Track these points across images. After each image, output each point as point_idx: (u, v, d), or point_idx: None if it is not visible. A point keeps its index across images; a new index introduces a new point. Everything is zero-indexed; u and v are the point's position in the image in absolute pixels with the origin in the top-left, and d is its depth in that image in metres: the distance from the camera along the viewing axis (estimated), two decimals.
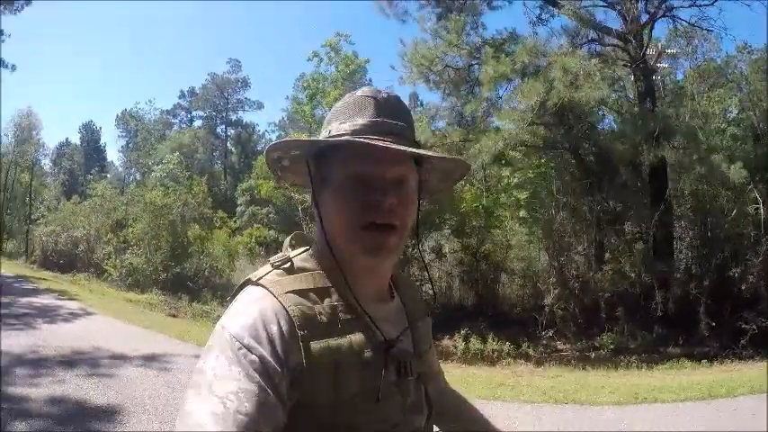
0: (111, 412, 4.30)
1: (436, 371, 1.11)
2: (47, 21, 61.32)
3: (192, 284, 15.41)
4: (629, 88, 12.99)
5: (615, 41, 11.30)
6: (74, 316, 9.24)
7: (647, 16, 11.24)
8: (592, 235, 11.51)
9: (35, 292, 12.36)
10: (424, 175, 0.91)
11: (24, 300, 10.55)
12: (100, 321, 8.97)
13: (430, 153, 0.85)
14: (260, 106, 42.87)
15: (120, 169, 39.60)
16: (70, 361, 5.93)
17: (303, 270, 0.84)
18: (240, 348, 0.70)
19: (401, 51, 11.53)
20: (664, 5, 11.29)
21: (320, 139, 0.85)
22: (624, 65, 11.50)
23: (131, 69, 76.01)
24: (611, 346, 9.20)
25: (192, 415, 0.64)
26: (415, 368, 0.88)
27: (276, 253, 0.90)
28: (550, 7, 11.46)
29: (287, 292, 0.78)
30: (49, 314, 9.10)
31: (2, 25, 17.83)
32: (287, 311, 0.75)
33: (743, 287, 9.67)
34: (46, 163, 40.65)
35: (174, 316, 10.76)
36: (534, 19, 11.69)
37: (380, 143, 0.78)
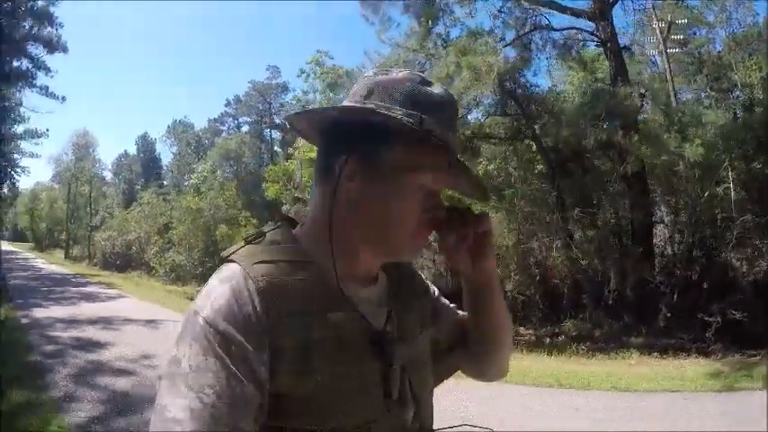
0: (104, 344, 7.12)
1: (449, 329, 1.01)
2: (101, 42, 68.55)
3: None
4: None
5: (575, 24, 12.14)
6: (110, 298, 12.46)
7: None
8: (555, 222, 11.95)
9: (86, 284, 15.92)
10: None
11: (75, 289, 13.99)
12: (128, 302, 12.06)
13: (485, 197, 0.90)
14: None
15: (176, 176, 43.95)
16: (94, 321, 8.88)
17: (275, 243, 0.80)
18: (215, 335, 0.68)
19: (361, 64, 13.36)
20: None
21: (448, 138, 0.79)
22: (597, 45, 12.58)
23: (182, 82, 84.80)
24: (574, 333, 9.39)
25: (167, 409, 0.64)
26: (399, 355, 0.82)
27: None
28: None
29: (256, 263, 0.74)
30: (91, 297, 12.34)
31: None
32: (255, 282, 0.72)
33: (716, 276, 9.61)
34: (107, 174, 46.26)
35: (191, 299, 13.66)
36: (495, 12, 12.32)
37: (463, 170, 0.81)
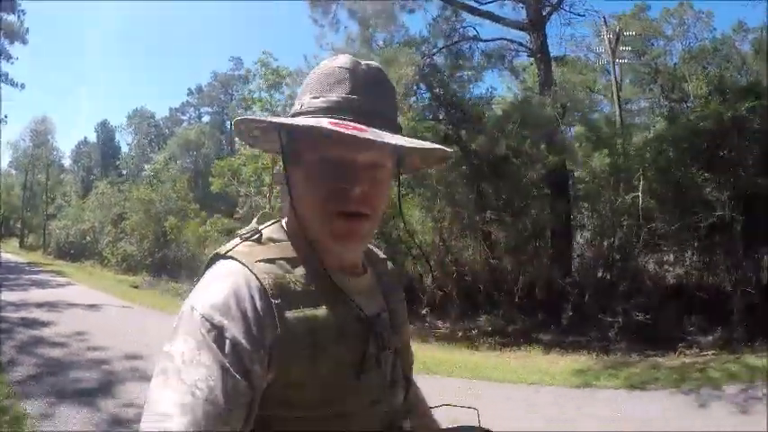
0: (46, 322, 8.49)
1: (408, 343, 1.10)
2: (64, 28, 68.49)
3: (170, 267, 19.59)
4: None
5: (509, 34, 12.96)
6: (59, 285, 13.82)
7: (548, 9, 12.34)
8: (475, 223, 12.62)
9: (38, 272, 17.29)
10: (402, 154, 0.92)
11: (27, 277, 15.36)
12: (75, 288, 13.39)
13: (402, 141, 0.81)
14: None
15: (131, 166, 44.62)
16: (41, 304, 10.20)
17: (273, 241, 0.87)
18: (210, 330, 0.71)
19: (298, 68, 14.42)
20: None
21: (284, 120, 0.83)
22: (528, 56, 13.39)
23: (143, 69, 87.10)
24: (489, 328, 10.11)
25: (158, 403, 0.66)
26: (392, 342, 0.91)
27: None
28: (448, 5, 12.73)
29: (258, 261, 0.80)
30: (41, 284, 13.66)
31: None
32: (260, 281, 0.77)
33: (630, 279, 10.13)
34: (66, 161, 46.82)
35: (136, 287, 15.01)
36: (431, 21, 13.20)
37: (346, 130, 0.76)
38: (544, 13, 12.22)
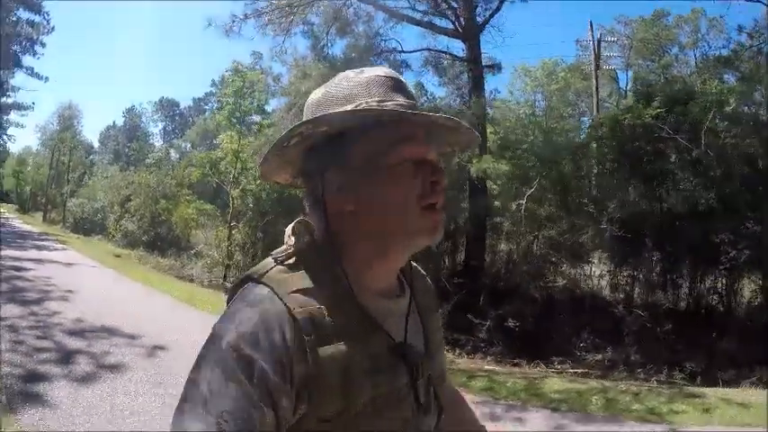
0: (28, 269, 12.34)
1: (444, 368, 1.14)
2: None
3: (160, 243, 23.52)
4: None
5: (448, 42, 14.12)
6: (54, 249, 18.07)
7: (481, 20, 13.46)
8: None
9: (45, 239, 21.73)
10: None
11: (33, 242, 19.70)
12: (66, 253, 17.52)
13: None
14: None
15: (135, 153, 49.07)
16: (32, 259, 14.13)
17: (306, 265, 0.87)
18: (239, 361, 0.74)
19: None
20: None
21: (404, 109, 0.86)
22: (462, 63, 14.35)
23: (175, 60, 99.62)
24: None
25: None
26: (426, 370, 0.94)
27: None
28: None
29: (292, 292, 0.81)
30: (41, 248, 17.87)
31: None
32: (292, 315, 0.79)
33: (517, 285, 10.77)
34: (95, 143, 52.10)
35: (118, 256, 18.97)
36: (377, 29, 14.24)
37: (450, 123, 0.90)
38: (478, 23, 13.43)
